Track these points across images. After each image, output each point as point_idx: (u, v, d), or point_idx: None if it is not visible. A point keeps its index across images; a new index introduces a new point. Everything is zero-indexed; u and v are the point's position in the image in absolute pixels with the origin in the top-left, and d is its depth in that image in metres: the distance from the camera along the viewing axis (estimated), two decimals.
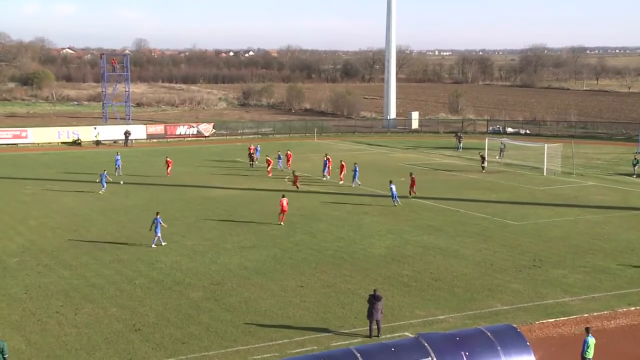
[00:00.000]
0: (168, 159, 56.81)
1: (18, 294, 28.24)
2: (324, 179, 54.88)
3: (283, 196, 40.45)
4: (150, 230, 35.29)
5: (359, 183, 52.01)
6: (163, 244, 35.17)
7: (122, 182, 51.98)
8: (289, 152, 60.53)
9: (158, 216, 35.23)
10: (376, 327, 24.14)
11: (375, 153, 72.37)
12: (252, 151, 60.24)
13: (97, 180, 49.66)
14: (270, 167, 55.79)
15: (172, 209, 43.85)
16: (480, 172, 59.51)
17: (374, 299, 24.02)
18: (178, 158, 63.11)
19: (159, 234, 35.03)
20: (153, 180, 53.59)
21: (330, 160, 56.09)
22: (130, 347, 23.26)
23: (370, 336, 23.99)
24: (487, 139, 67.36)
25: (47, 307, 26.87)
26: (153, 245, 34.87)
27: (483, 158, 60.72)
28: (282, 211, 39.74)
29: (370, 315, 24.05)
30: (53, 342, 23.61)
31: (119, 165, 55.41)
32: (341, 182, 53.08)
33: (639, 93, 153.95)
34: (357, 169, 52.52)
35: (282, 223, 39.54)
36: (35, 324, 25.20)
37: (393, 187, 44.93)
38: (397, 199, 44.77)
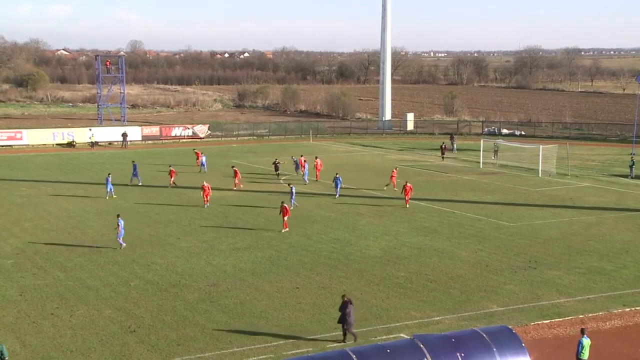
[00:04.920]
0: (235, 169, 52.40)
1: (13, 296, 28.18)
2: (283, 175, 55.57)
3: (283, 202, 39.42)
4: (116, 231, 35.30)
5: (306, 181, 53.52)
6: (123, 245, 34.94)
7: (140, 183, 52.74)
8: (302, 158, 57.32)
9: (119, 218, 35.23)
10: (345, 331, 23.88)
11: (370, 154, 72.41)
12: (277, 162, 57.42)
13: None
14: (238, 179, 51.47)
15: (168, 210, 43.85)
16: (442, 161, 65.59)
17: (348, 303, 23.76)
18: (173, 160, 63.05)
19: (121, 237, 34.90)
20: (148, 181, 53.46)
21: (321, 162, 56.08)
22: (125, 349, 23.24)
23: (343, 341, 23.75)
24: (482, 140, 67.48)
25: (42, 308, 26.82)
26: (123, 245, 34.97)
27: (443, 148, 66.66)
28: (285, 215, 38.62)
29: (344, 320, 23.74)
30: (48, 344, 23.57)
31: (203, 164, 58.53)
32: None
33: (634, 94, 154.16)
34: (306, 165, 54.24)
35: (286, 229, 38.53)
36: (30, 326, 25.15)
37: (293, 188, 44.87)
38: (295, 202, 44.26)
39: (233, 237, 37.46)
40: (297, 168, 56.75)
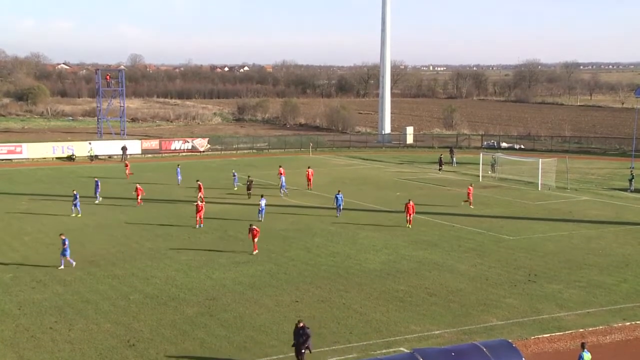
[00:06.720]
0: (199, 183, 51.59)
1: (12, 310, 28.11)
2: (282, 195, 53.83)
3: (251, 225, 37.38)
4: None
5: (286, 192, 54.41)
6: (73, 264, 34.14)
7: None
8: (281, 168, 58.03)
9: (63, 237, 34.25)
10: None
11: (370, 168, 72.46)
12: (250, 181, 54.50)
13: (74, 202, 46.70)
14: (200, 194, 49.18)
15: (167, 224, 43.82)
16: (438, 172, 67.59)
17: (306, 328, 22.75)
18: (172, 173, 62.96)
19: (68, 255, 33.99)
20: (148, 195, 53.38)
21: (312, 172, 57.57)
22: None
23: None
24: (481, 154, 67.55)
25: (40, 323, 26.74)
26: (61, 267, 33.76)
27: (441, 161, 68.87)
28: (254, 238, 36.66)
29: (304, 345, 22.54)
30: (47, 358, 23.49)
31: (178, 176, 59.35)
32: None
33: (633, 108, 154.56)
34: (282, 177, 55.41)
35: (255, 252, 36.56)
36: (28, 340, 25.06)
37: (263, 202, 44.55)
38: (261, 216, 44.29)
39: (233, 250, 37.42)
40: (235, 182, 57.09)
